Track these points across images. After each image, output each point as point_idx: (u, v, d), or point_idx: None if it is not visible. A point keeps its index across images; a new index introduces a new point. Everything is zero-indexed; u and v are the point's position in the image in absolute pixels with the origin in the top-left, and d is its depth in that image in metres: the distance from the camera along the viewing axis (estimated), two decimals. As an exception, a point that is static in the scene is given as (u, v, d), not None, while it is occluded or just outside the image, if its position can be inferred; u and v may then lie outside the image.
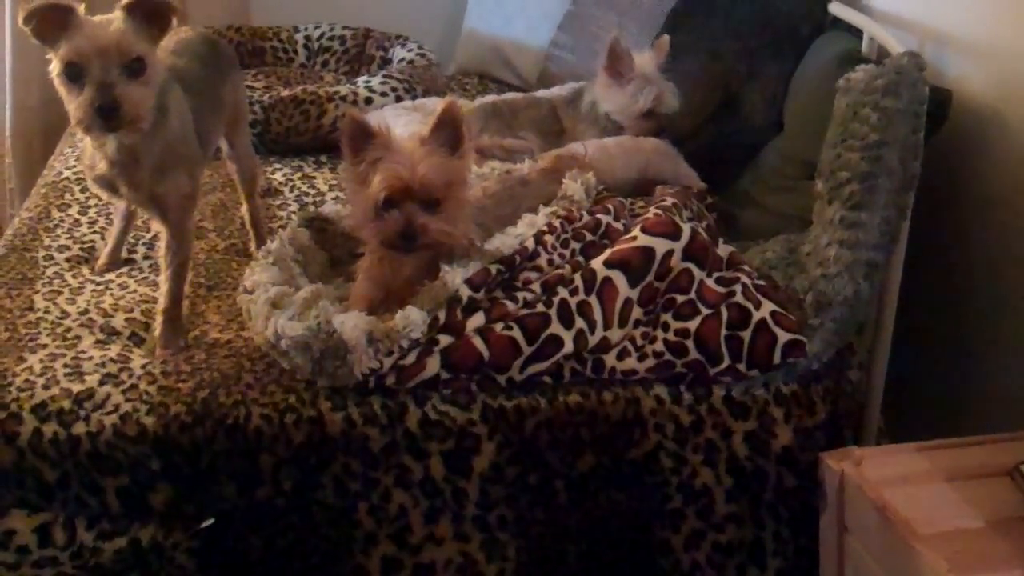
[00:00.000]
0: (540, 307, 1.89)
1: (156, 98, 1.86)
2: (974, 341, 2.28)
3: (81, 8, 1.79)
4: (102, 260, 2.28)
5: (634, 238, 1.98)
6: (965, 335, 2.31)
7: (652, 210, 2.12)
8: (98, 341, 1.98)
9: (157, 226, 2.05)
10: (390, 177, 1.81)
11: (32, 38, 1.79)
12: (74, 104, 1.78)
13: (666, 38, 2.79)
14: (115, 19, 1.80)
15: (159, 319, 1.99)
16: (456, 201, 1.87)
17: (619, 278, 1.93)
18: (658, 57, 2.77)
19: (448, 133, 1.85)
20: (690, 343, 1.91)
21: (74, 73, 1.77)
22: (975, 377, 2.28)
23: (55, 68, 1.79)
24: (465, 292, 1.85)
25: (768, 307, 1.94)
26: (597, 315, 1.90)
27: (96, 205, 2.53)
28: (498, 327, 1.86)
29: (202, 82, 2.12)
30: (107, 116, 1.77)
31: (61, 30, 1.76)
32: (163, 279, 2.01)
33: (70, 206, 2.55)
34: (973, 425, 2.19)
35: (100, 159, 1.94)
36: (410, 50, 3.45)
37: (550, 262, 1.97)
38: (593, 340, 1.89)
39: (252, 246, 2.37)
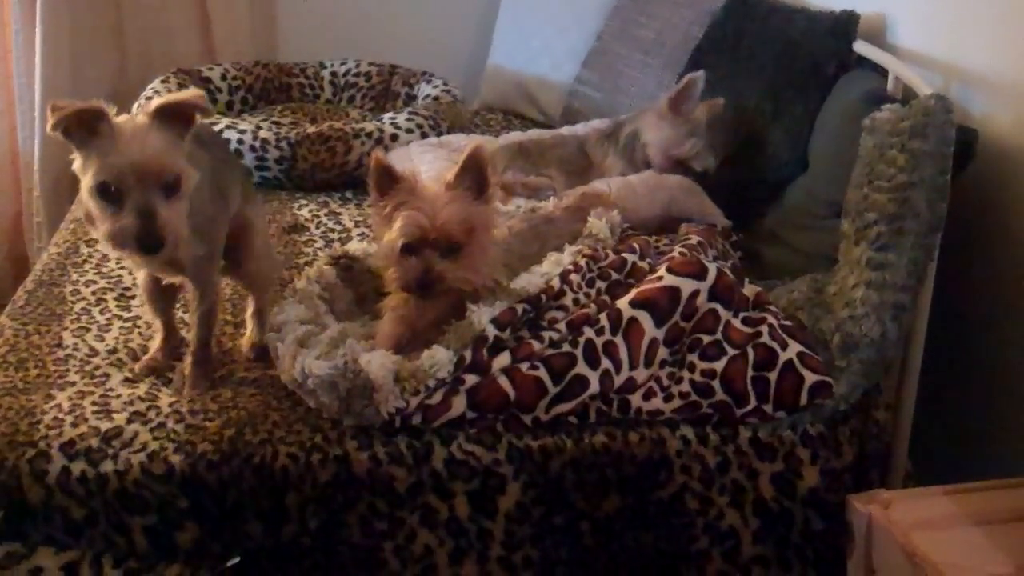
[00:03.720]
0: (566, 347, 1.89)
1: None
2: (1003, 380, 2.27)
3: (112, 112, 1.72)
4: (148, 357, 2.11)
5: (660, 278, 1.98)
6: (993, 374, 2.30)
7: (677, 249, 2.13)
8: (126, 379, 1.99)
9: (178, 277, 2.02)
10: (409, 224, 1.83)
11: (59, 136, 1.71)
12: (108, 226, 1.72)
13: (721, 101, 2.80)
14: (148, 129, 1.73)
15: (188, 361, 2.00)
16: (479, 246, 1.88)
17: (645, 318, 1.93)
18: (708, 114, 2.78)
19: (473, 176, 1.86)
20: (716, 384, 1.91)
21: (108, 193, 1.70)
22: (1005, 417, 2.26)
23: (86, 179, 1.72)
24: (491, 331, 1.86)
25: (795, 348, 1.94)
26: (623, 355, 1.90)
27: (124, 241, 2.55)
28: (524, 367, 1.86)
29: (214, 135, 2.10)
30: (151, 249, 1.72)
31: (91, 134, 1.70)
32: (191, 323, 2.01)
33: (98, 241, 2.56)
34: (1002, 466, 2.17)
35: None
36: (435, 86, 3.47)
37: (576, 301, 1.98)
38: (619, 380, 1.89)
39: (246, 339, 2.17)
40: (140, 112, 1.77)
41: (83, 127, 1.70)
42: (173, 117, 1.77)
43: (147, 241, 1.70)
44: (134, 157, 1.69)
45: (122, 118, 1.74)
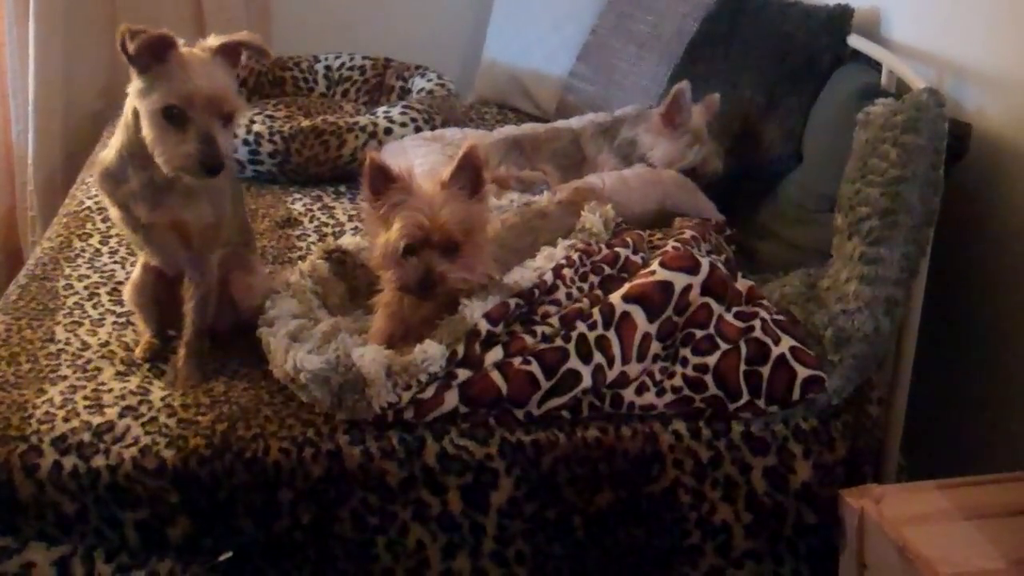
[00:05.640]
0: (558, 341, 1.89)
1: None
2: (995, 375, 2.27)
3: (182, 43, 1.82)
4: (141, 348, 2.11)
5: (652, 272, 1.98)
6: (986, 369, 2.30)
7: (671, 243, 2.12)
8: (118, 373, 1.99)
9: (179, 259, 2.04)
10: (410, 225, 1.81)
11: (121, 56, 1.80)
12: (172, 148, 1.81)
13: (716, 96, 2.78)
14: (214, 64, 1.85)
15: (181, 352, 2.00)
16: (475, 245, 1.88)
17: (637, 312, 1.93)
18: (707, 113, 2.77)
19: (468, 176, 1.86)
20: (709, 378, 1.91)
21: (173, 116, 1.80)
22: (997, 412, 2.26)
23: (151, 102, 1.81)
24: (484, 326, 1.86)
25: (787, 343, 1.94)
26: (615, 350, 1.90)
27: (117, 235, 2.55)
28: (516, 361, 1.86)
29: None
30: (212, 170, 1.82)
31: (157, 61, 1.80)
32: (186, 311, 2.01)
33: (91, 235, 2.57)
34: (995, 461, 2.17)
35: (134, 177, 1.92)
36: (429, 80, 3.47)
37: (568, 296, 1.98)
38: (611, 375, 1.89)
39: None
40: (201, 47, 1.86)
41: (151, 53, 1.79)
42: (230, 55, 1.89)
43: (210, 164, 1.81)
44: (203, 86, 1.80)
45: (186, 50, 1.83)
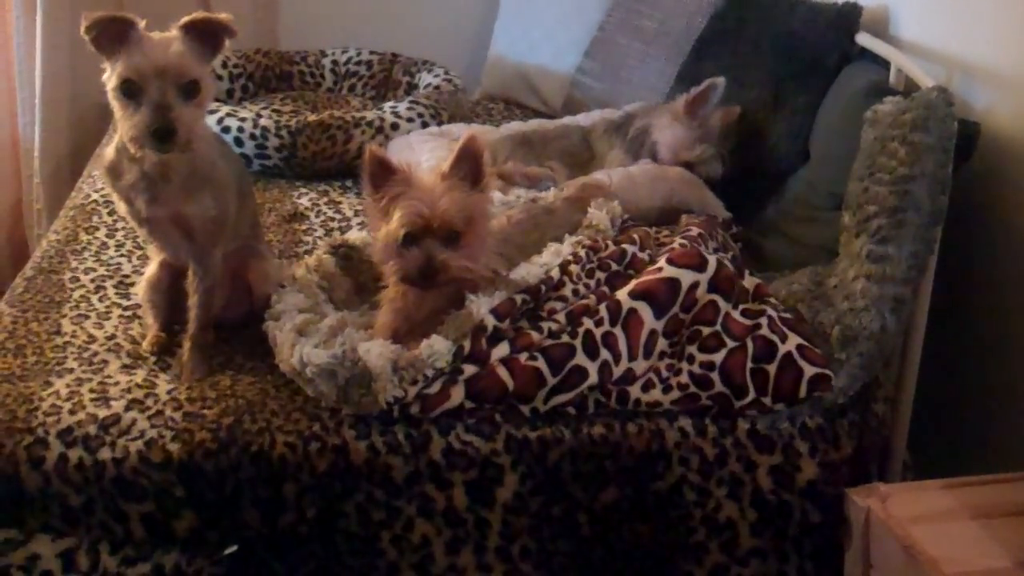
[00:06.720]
0: (565, 338, 1.89)
1: None
2: (1002, 374, 2.26)
3: (142, 24, 1.83)
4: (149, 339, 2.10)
5: (660, 269, 1.98)
6: (993, 368, 2.29)
7: (678, 240, 2.12)
8: (124, 366, 1.99)
9: (183, 253, 2.04)
10: (410, 214, 1.81)
11: (90, 46, 1.82)
12: (129, 122, 1.82)
13: (737, 109, 2.79)
14: (173, 39, 1.84)
15: (187, 345, 2.00)
16: (477, 235, 1.88)
17: (644, 309, 1.93)
18: (723, 120, 2.77)
19: (468, 166, 1.85)
20: (715, 376, 1.91)
21: (130, 90, 1.81)
22: (1003, 411, 2.26)
23: (111, 82, 1.82)
24: (491, 322, 1.85)
25: (794, 340, 1.94)
26: (622, 346, 1.90)
27: (123, 228, 2.55)
28: (523, 357, 1.86)
29: (237, 157, 2.15)
30: (162, 139, 1.80)
31: (120, 43, 1.81)
32: (191, 305, 2.01)
33: (97, 229, 2.57)
34: (1001, 461, 2.17)
35: (129, 170, 1.93)
36: (436, 75, 3.46)
37: (575, 292, 1.97)
38: (618, 371, 1.89)
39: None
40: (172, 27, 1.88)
41: (113, 37, 1.81)
42: (202, 35, 1.88)
43: (160, 131, 1.79)
44: (155, 58, 1.80)
45: (154, 33, 1.85)
